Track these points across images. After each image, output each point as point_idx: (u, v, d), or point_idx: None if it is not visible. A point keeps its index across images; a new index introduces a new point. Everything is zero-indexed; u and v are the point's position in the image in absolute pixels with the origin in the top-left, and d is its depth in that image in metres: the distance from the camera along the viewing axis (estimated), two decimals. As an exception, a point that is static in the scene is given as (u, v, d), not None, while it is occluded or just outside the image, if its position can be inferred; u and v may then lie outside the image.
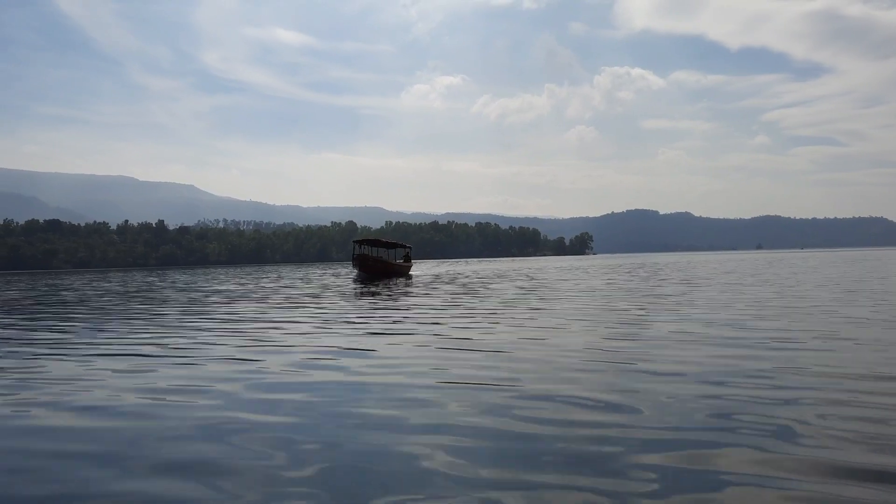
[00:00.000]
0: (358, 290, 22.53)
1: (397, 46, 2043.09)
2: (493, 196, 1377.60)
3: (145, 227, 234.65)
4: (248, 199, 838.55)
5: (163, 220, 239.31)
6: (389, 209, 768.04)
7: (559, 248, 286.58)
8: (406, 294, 19.58)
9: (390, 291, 21.20)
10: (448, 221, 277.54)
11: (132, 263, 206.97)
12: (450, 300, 16.43)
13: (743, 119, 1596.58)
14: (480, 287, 22.83)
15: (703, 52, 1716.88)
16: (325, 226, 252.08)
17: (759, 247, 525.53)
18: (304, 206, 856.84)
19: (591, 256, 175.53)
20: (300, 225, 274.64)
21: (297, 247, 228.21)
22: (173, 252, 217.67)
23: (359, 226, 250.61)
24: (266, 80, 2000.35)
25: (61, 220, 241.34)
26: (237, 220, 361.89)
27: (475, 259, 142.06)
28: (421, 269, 52.36)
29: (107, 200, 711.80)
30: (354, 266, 38.75)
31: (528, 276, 33.97)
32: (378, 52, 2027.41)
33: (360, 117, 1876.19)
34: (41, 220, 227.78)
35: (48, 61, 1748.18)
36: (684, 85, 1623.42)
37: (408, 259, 44.22)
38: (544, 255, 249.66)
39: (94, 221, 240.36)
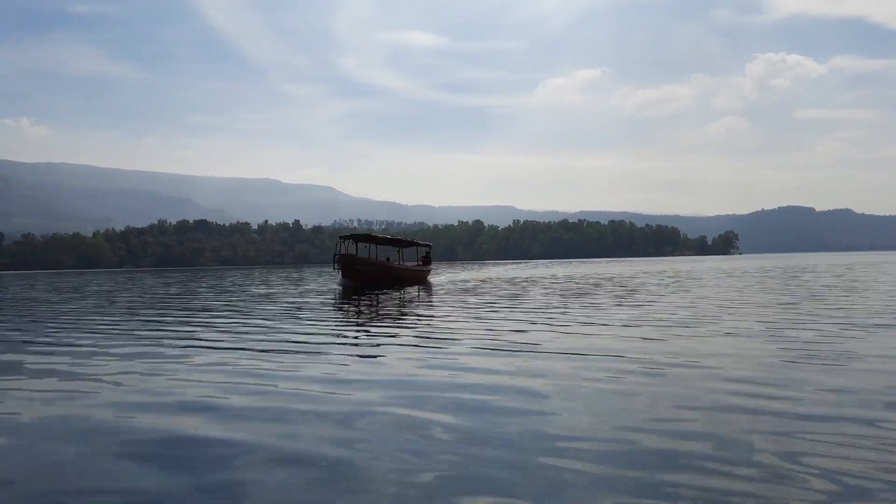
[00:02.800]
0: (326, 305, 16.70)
1: (530, 42, 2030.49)
2: (631, 193, 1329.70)
3: (283, 226, 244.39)
4: (381, 200, 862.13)
5: (298, 220, 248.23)
6: (520, 208, 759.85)
7: (700, 247, 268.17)
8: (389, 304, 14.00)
9: (356, 307, 15.70)
10: (579, 220, 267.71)
11: (270, 261, 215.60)
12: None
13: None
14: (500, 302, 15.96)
15: (864, 36, 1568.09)
16: (452, 225, 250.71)
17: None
18: (436, 205, 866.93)
19: (736, 257, 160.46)
20: (430, 224, 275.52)
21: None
22: (307, 251, 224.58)
23: (486, 224, 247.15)
24: (399, 83, 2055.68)
25: (211, 220, 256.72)
26: (370, 219, 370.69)
27: (605, 259, 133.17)
28: (510, 273, 42.28)
29: (253, 202, 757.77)
30: (336, 269, 28.48)
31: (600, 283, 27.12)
32: (510, 50, 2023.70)
33: (492, 116, 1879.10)
34: (191, 221, 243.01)
35: (202, 73, 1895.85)
36: (844, 71, 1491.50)
37: (427, 261, 34.30)
38: (683, 254, 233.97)
39: (238, 222, 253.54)
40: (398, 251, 33.87)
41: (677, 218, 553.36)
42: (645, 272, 37.84)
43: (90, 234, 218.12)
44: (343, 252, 28.70)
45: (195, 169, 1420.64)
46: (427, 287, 25.70)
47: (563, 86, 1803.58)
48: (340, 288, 25.49)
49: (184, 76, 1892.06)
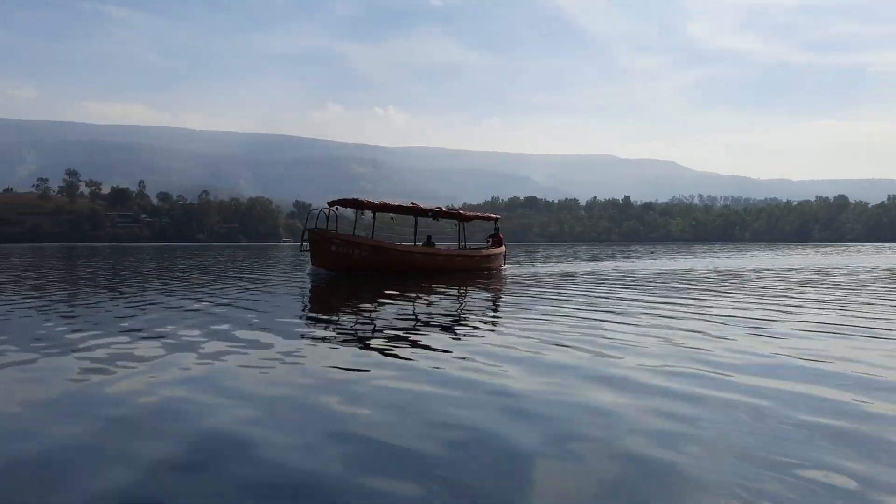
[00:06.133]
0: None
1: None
2: None
3: (611, 202, 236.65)
4: (728, 174, 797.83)
5: (628, 196, 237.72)
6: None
7: None
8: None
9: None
10: None
11: (596, 238, 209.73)
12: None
13: None
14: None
15: None
16: (807, 201, 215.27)
17: None
18: (794, 179, 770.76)
19: None
20: (784, 201, 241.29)
21: (770, 224, 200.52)
22: (636, 228, 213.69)
23: (852, 200, 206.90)
24: (754, 45, 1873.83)
25: (545, 197, 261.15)
26: (714, 195, 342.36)
27: None
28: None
29: (588, 178, 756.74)
30: (304, 250, 18.40)
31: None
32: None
33: (870, 75, 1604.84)
34: (521, 198, 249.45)
35: (543, 53, 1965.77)
36: None
37: (497, 241, 22.96)
38: None
39: (566, 198, 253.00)
40: (445, 225, 22.68)
41: None
42: None
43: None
44: (313, 227, 18.63)
45: (531, 147, 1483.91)
46: (494, 279, 16.72)
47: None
48: (309, 282, 15.98)
49: (526, 58, 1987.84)
